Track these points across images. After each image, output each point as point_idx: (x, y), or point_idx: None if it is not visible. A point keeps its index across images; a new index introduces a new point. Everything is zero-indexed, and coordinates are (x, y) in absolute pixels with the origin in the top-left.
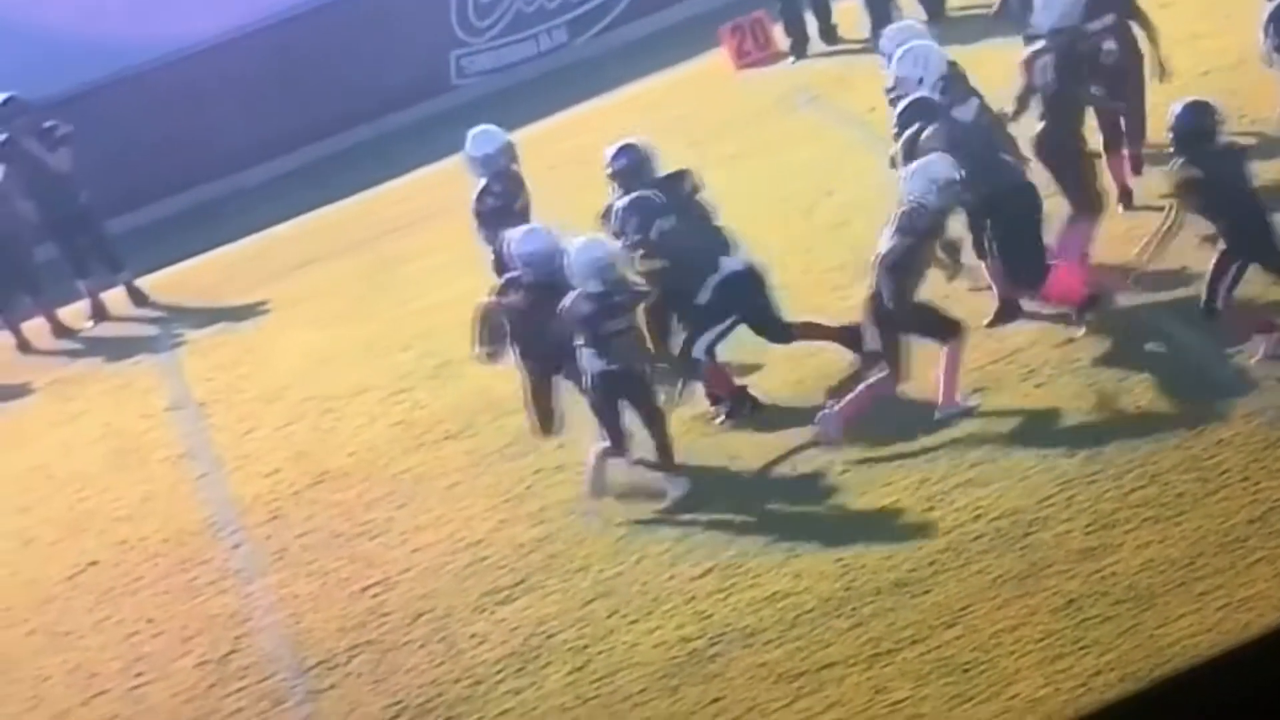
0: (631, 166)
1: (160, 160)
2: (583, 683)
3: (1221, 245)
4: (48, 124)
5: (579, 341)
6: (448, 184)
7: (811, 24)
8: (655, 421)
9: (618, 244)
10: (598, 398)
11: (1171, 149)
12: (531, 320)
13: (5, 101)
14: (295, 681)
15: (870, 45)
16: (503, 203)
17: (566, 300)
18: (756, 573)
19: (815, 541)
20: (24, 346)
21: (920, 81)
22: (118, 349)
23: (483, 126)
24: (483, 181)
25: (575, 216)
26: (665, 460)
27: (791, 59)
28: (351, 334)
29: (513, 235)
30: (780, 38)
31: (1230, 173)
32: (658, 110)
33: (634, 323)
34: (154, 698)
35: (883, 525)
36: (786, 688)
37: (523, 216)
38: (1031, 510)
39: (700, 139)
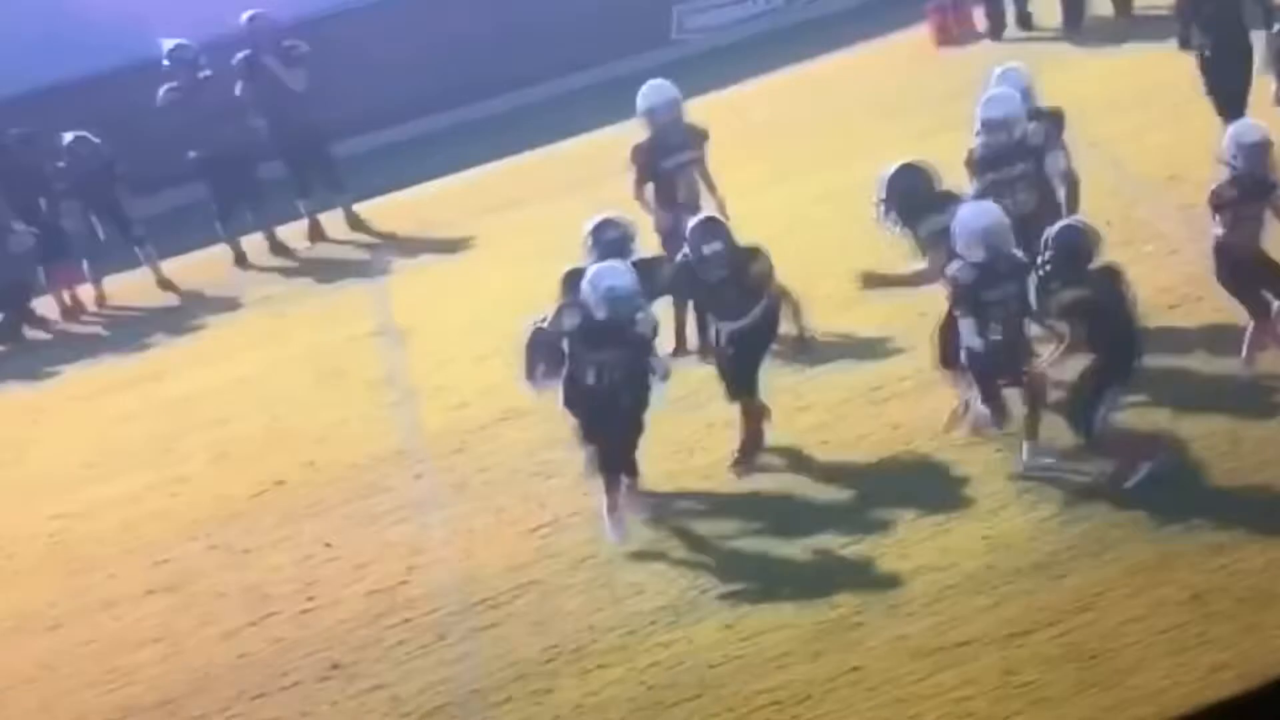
0: (616, 241)
1: (385, 88)
2: (730, 640)
3: (1092, 368)
4: (287, 43)
5: (959, 312)
6: None
7: (1010, 9)
8: (1036, 394)
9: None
10: (979, 371)
11: (1047, 271)
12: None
13: (252, 18)
14: (459, 617)
15: (1062, 35)
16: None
17: (952, 267)
18: (906, 545)
19: (964, 518)
20: (240, 261)
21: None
22: (330, 271)
23: (654, 81)
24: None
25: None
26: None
27: (988, 41)
28: (555, 273)
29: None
30: (980, 20)
31: (1110, 294)
32: (858, 80)
33: (1015, 293)
34: (322, 623)
35: (1028, 507)
36: (923, 662)
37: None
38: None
39: (895, 112)
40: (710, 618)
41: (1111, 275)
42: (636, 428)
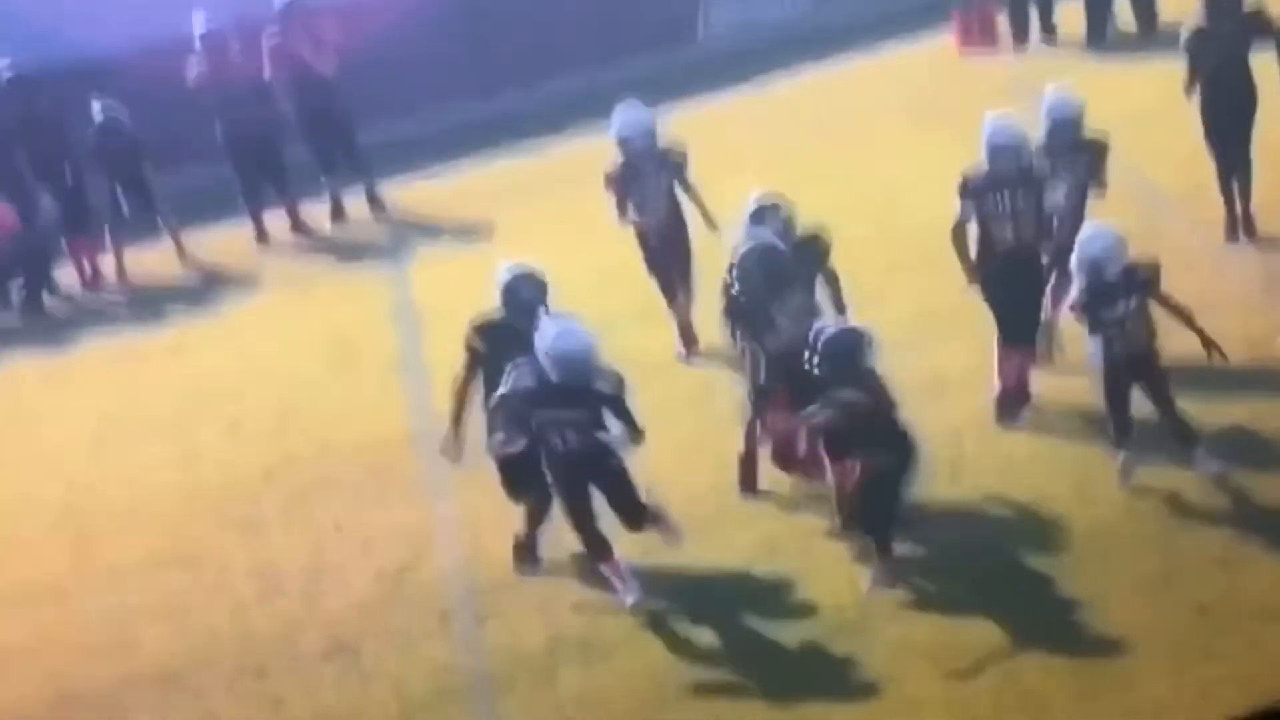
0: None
1: (413, 76)
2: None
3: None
4: (317, 27)
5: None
6: (685, 128)
7: (1035, 20)
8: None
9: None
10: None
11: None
12: None
13: (289, 4)
14: (465, 603)
15: (1086, 47)
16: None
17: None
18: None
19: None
20: (262, 238)
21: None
22: (350, 252)
23: (626, 106)
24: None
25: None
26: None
27: (1012, 50)
28: (576, 265)
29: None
30: (1004, 28)
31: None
32: (883, 83)
33: (1134, 311)
34: (329, 603)
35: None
36: (928, 663)
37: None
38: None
39: (924, 115)
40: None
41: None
42: (616, 490)
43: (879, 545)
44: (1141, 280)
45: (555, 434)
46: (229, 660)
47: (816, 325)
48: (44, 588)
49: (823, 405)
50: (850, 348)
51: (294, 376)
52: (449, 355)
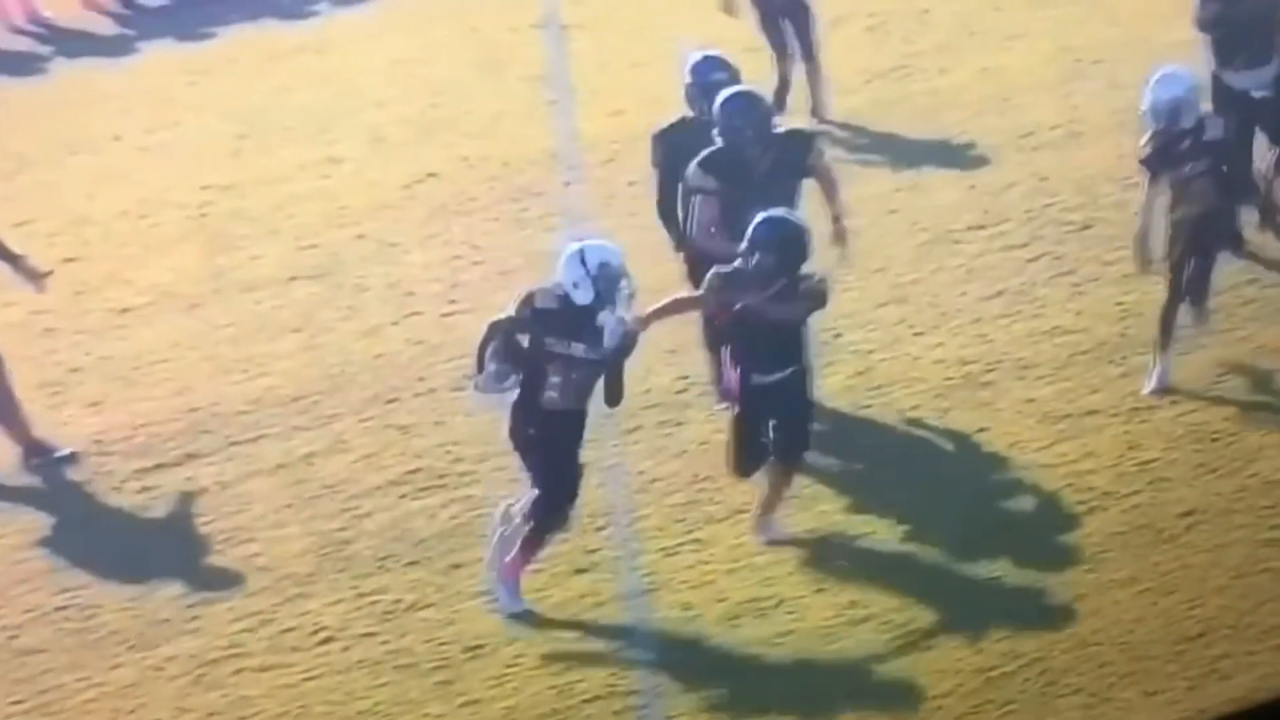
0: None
1: None
2: (859, 389)
3: None
4: None
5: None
6: None
7: None
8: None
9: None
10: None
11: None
12: None
13: None
14: None
15: None
16: None
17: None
18: (1043, 304)
19: (1100, 282)
20: None
21: None
22: None
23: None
24: None
25: None
26: None
27: None
28: None
29: None
30: None
31: None
32: None
33: (1203, 169)
34: (463, 329)
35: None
36: (1049, 429)
37: None
38: None
39: None
40: (840, 363)
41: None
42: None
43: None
44: (1214, 140)
45: (562, 374)
46: (360, 385)
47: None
48: (177, 296)
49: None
50: (791, 237)
51: (437, 86)
52: (594, 72)
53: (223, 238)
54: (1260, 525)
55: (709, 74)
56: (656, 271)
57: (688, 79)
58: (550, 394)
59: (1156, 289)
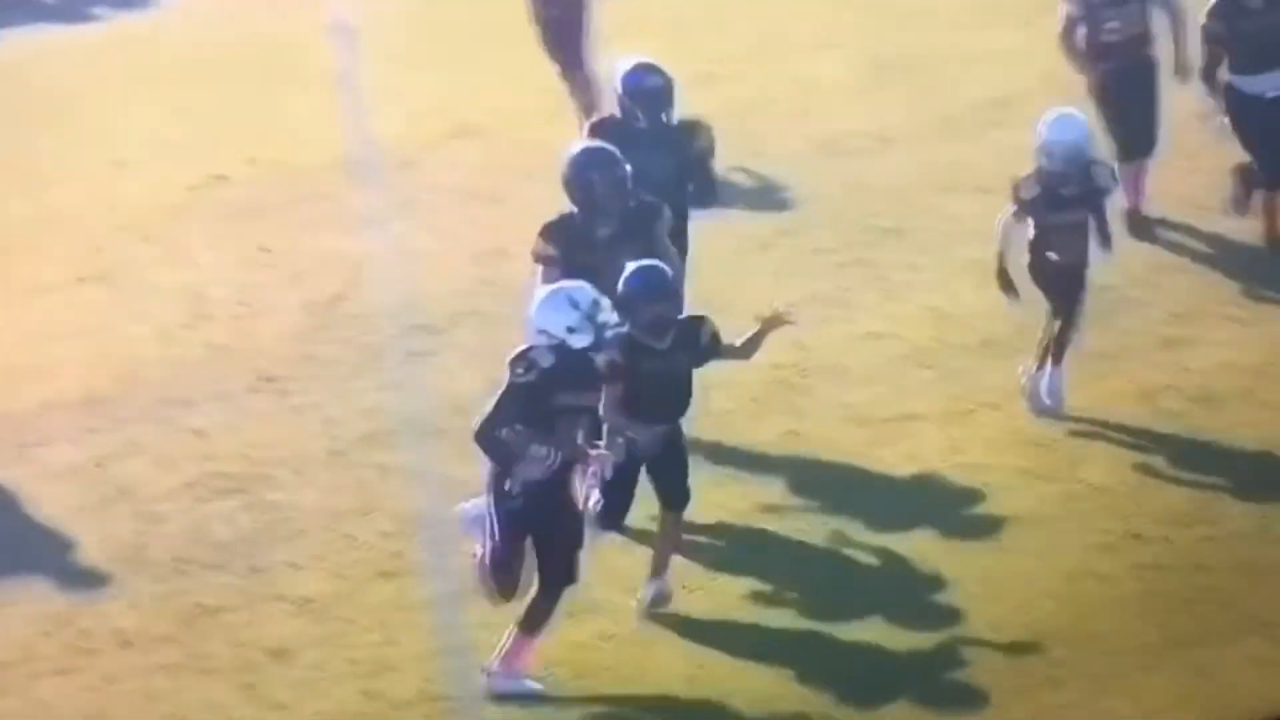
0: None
1: None
2: None
3: None
4: None
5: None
6: None
7: None
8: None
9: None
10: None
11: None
12: None
13: None
14: (396, 341)
15: None
16: None
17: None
18: (855, 308)
19: (913, 287)
20: None
21: None
22: None
23: None
24: None
25: None
26: None
27: None
28: None
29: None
30: None
31: None
32: None
33: (1081, 220)
34: (256, 332)
35: (976, 283)
36: (865, 432)
37: None
38: None
39: None
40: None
41: None
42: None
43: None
44: (1098, 188)
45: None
46: (153, 387)
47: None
48: None
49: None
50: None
51: (228, 86)
52: (389, 74)
53: (6, 242)
54: (1088, 530)
55: (641, 80)
56: (451, 275)
57: (618, 88)
58: (550, 461)
59: (970, 293)
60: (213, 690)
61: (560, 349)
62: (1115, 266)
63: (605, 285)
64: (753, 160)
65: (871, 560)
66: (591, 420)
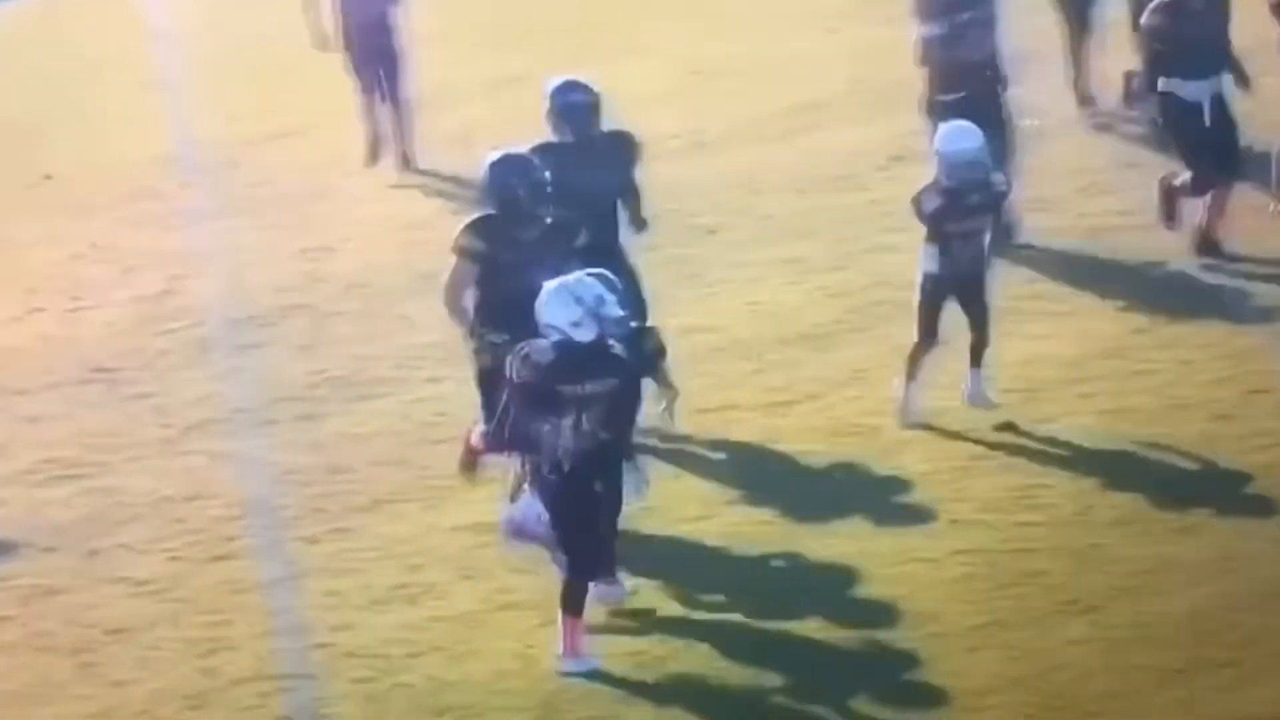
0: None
1: None
2: None
3: None
4: None
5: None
6: None
7: None
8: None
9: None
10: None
11: None
12: None
13: None
14: (225, 333)
15: None
16: None
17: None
18: (674, 303)
19: (731, 284)
20: None
21: None
22: None
23: None
24: None
25: None
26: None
27: None
28: None
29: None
30: None
31: None
32: None
33: (983, 226)
34: (87, 325)
35: (797, 277)
36: (686, 421)
37: None
38: None
39: None
40: None
41: None
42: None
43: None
44: (998, 194)
45: (574, 419)
46: None
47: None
48: None
49: None
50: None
51: (49, 87)
52: (210, 77)
53: None
54: (909, 516)
55: (567, 95)
56: (278, 269)
57: (545, 103)
58: (564, 442)
59: (786, 289)
60: (51, 668)
61: (564, 344)
62: None
63: (531, 284)
64: None
65: (687, 546)
66: (603, 408)
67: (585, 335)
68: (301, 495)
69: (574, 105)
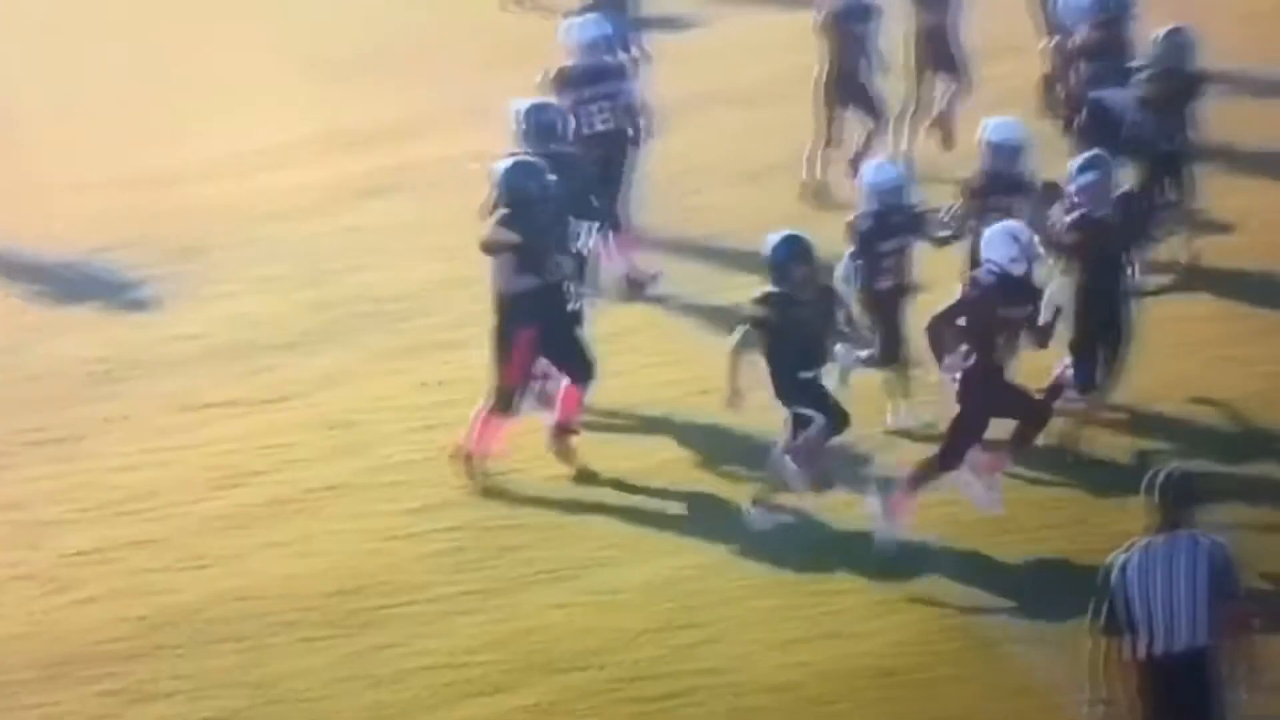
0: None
1: None
2: None
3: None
4: None
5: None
6: None
7: None
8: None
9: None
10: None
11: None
12: None
13: None
14: None
15: None
16: None
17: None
18: (162, 312)
19: (220, 297)
20: None
21: None
22: None
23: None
24: None
25: None
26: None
27: None
28: None
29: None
30: None
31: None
32: None
33: (908, 244)
34: None
35: (278, 293)
36: (183, 416)
37: None
38: None
39: None
40: None
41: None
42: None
43: None
44: (920, 213)
45: None
46: None
47: None
48: None
49: None
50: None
51: None
52: None
53: None
54: (390, 499)
55: (537, 116)
56: None
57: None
58: (999, 354)
59: (275, 301)
60: None
61: (1001, 274)
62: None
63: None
64: None
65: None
66: (1028, 330)
67: (1019, 269)
68: None
69: (544, 124)
